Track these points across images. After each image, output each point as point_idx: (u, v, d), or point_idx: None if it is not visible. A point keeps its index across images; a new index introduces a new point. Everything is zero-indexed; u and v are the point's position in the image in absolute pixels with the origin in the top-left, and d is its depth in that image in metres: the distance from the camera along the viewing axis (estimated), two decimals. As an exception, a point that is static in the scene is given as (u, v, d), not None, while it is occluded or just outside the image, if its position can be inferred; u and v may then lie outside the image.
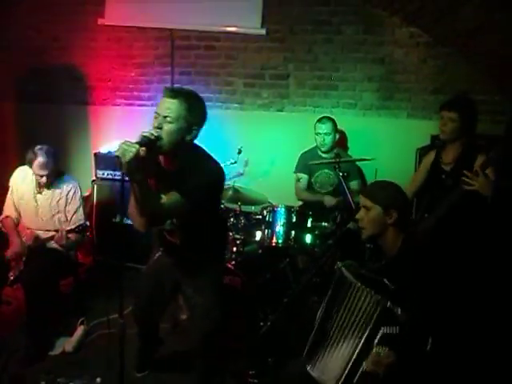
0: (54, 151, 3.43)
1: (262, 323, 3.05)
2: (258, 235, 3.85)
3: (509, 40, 3.43)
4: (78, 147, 5.11)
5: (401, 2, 4.03)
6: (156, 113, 2.33)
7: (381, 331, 2.02)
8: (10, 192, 3.60)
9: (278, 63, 4.75)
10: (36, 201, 3.53)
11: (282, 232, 3.75)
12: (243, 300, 3.45)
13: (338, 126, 4.24)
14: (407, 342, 2.01)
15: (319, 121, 4.17)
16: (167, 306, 3.05)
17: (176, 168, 2.44)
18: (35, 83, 5.09)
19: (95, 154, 4.73)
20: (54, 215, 3.54)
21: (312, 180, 4.30)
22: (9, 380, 2.94)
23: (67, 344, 3.38)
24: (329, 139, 4.13)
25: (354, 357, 2.07)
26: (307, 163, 4.23)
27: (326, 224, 3.77)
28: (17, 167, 3.64)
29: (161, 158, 2.46)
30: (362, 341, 2.05)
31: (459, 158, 3.17)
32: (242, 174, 4.73)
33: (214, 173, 2.48)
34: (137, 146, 2.08)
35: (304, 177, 4.31)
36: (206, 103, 2.46)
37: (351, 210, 3.49)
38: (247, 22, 4.64)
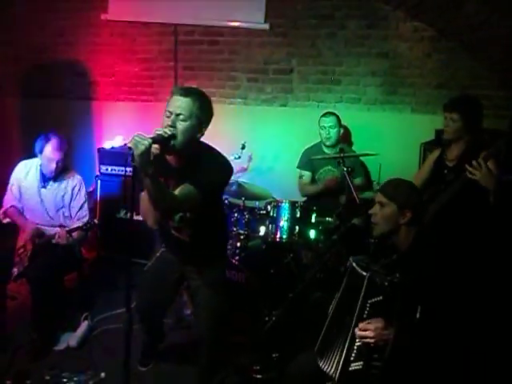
0: (66, 140, 3.47)
1: (266, 318, 3.05)
2: (262, 230, 3.85)
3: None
4: (82, 142, 5.10)
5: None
6: (168, 111, 2.33)
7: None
8: (10, 185, 3.56)
9: (281, 58, 4.74)
10: (40, 195, 3.51)
11: (286, 227, 3.74)
12: (247, 295, 3.45)
13: (342, 121, 4.25)
14: (396, 308, 2.03)
15: (323, 115, 4.18)
16: (171, 302, 3.06)
17: (182, 165, 2.44)
18: (39, 78, 5.09)
19: (99, 150, 4.74)
20: (58, 210, 3.54)
21: (316, 177, 4.30)
22: (13, 375, 2.95)
23: (71, 339, 3.38)
24: (334, 132, 4.14)
25: (348, 337, 2.10)
26: (310, 159, 4.23)
27: (330, 219, 3.76)
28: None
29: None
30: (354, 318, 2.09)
31: (463, 155, 3.15)
32: (245, 169, 4.73)
33: (225, 166, 2.53)
34: (150, 140, 2.08)
35: (306, 174, 4.31)
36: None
37: (356, 205, 3.48)
38: (250, 17, 4.65)
